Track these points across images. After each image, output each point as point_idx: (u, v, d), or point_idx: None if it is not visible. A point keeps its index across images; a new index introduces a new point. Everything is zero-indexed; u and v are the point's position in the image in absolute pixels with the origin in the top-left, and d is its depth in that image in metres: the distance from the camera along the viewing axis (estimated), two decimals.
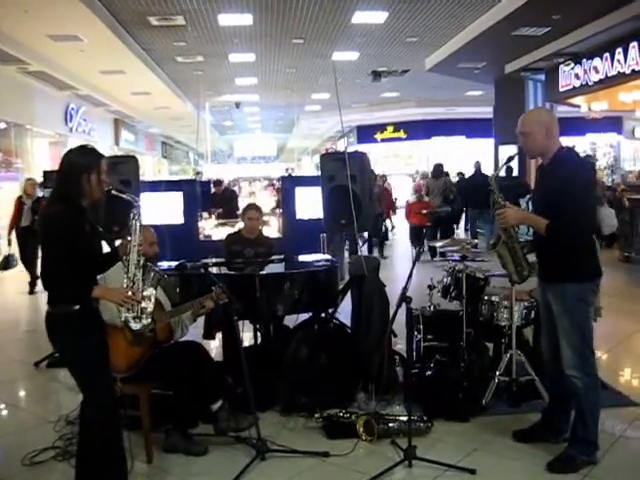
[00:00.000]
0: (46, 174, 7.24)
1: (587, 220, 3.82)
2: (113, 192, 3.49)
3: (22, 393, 5.81)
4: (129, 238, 3.48)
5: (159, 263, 5.34)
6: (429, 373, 4.96)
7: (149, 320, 3.47)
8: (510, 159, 4.20)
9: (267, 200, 17.82)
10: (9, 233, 10.30)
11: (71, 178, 3.31)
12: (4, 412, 5.34)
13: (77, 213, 3.29)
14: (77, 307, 3.25)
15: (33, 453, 4.16)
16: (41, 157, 16.69)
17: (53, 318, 3.31)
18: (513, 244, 3.99)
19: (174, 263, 5.51)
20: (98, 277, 3.59)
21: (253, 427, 4.16)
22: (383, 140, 27.74)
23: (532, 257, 4.10)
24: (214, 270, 5.04)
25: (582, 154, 20.69)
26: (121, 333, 3.88)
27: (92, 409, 3.35)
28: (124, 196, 3.52)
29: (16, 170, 15.43)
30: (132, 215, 3.50)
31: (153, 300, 3.51)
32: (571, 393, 3.89)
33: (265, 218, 11.69)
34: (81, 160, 3.35)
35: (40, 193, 10.32)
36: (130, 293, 3.35)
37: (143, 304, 3.44)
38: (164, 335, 4.36)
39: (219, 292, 4.42)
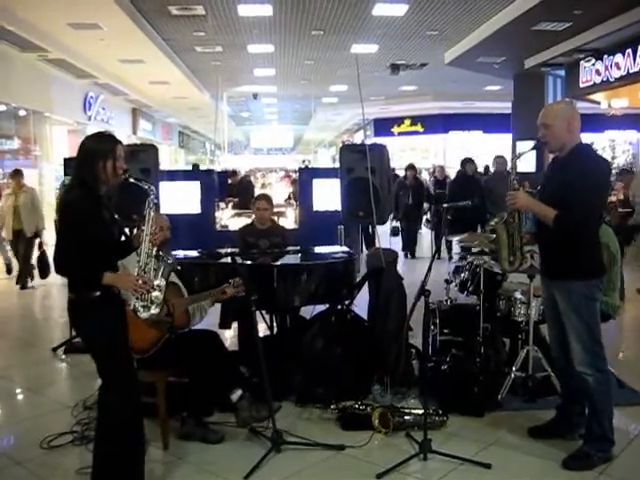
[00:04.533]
0: (66, 161, 7.29)
1: (595, 215, 3.80)
2: (131, 179, 3.51)
3: (40, 378, 5.86)
4: (143, 227, 3.50)
5: (175, 252, 5.37)
6: (445, 367, 4.95)
7: (158, 310, 3.47)
8: (535, 146, 4.14)
9: (283, 192, 17.83)
10: None
11: (87, 164, 3.34)
12: (23, 397, 5.40)
13: (95, 200, 3.32)
14: (98, 293, 3.28)
15: (51, 437, 4.21)
16: (60, 145, 16.77)
17: (75, 304, 3.35)
18: (514, 230, 3.94)
19: (190, 252, 5.55)
20: (118, 263, 3.61)
21: (275, 414, 4.17)
22: (400, 134, 27.61)
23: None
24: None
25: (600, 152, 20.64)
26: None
27: (113, 395, 3.36)
28: (141, 184, 3.54)
29: (34, 158, 15.54)
30: (147, 203, 3.51)
31: (163, 290, 3.51)
32: (583, 388, 3.88)
33: (282, 209, 11.76)
34: (97, 146, 3.37)
35: None
36: (141, 282, 3.37)
37: (153, 293, 3.45)
38: (181, 321, 4.38)
39: (239, 282, 4.43)
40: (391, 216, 11.98)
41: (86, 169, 3.33)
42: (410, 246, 12.81)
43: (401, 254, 11.87)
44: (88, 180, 3.32)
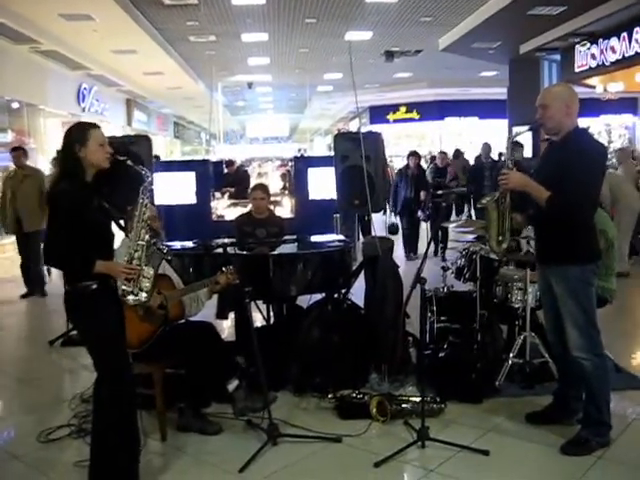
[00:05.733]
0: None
1: (589, 198, 3.76)
2: (128, 162, 3.49)
3: (37, 371, 5.85)
4: (136, 213, 3.48)
5: (171, 243, 5.36)
6: (442, 354, 4.96)
7: (146, 297, 3.45)
8: (532, 128, 4.16)
9: (279, 181, 17.78)
10: None
11: (67, 154, 3.36)
12: (20, 390, 5.38)
13: (82, 188, 3.32)
14: (95, 285, 3.27)
15: (48, 430, 4.21)
16: (54, 137, 16.70)
17: (71, 296, 3.33)
18: (505, 210, 3.92)
19: (186, 243, 5.54)
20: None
21: (270, 405, 4.15)
22: (395, 121, 27.53)
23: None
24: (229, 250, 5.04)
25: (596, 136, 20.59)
26: (133, 309, 3.85)
27: (107, 388, 3.36)
28: (137, 168, 3.52)
29: (29, 150, 15.44)
30: (141, 190, 3.49)
31: (152, 278, 3.49)
32: (580, 373, 3.87)
33: (278, 198, 11.72)
34: (73, 134, 3.39)
35: None
36: (129, 268, 3.36)
37: (142, 280, 3.42)
38: (175, 313, 4.36)
39: (232, 270, 4.41)
40: (388, 211, 11.41)
41: (67, 158, 3.36)
42: (412, 244, 11.38)
43: (403, 254, 10.89)
44: (72, 169, 3.33)
